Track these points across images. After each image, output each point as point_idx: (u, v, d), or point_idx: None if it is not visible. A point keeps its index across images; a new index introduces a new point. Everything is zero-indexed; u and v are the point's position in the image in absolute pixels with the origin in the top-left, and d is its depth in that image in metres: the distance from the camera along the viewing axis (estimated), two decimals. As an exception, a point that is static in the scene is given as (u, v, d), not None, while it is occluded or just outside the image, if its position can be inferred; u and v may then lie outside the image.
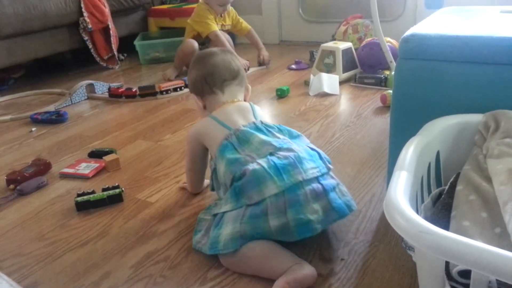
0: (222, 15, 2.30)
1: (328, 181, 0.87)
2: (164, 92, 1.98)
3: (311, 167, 0.87)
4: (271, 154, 0.88)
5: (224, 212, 0.86)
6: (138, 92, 1.96)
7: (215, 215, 0.89)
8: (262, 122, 0.97)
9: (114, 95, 1.99)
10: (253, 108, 1.01)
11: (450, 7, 1.17)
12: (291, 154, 0.87)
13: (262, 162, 0.86)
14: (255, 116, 0.99)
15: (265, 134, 0.94)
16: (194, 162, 1.06)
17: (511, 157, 0.67)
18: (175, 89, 2.00)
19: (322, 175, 0.87)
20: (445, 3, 2.30)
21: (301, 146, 0.92)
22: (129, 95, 1.96)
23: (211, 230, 0.88)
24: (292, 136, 0.97)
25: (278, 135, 0.94)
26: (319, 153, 0.92)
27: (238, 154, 0.90)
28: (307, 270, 0.78)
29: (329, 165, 0.92)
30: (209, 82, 1.02)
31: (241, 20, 2.39)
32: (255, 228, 0.81)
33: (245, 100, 1.07)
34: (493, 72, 0.77)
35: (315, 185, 0.84)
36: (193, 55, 2.28)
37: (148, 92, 1.96)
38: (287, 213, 0.81)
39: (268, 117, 1.06)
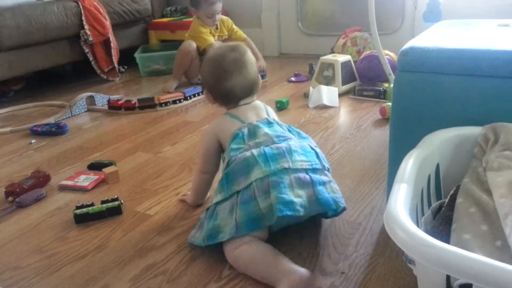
0: (218, 26, 2.32)
1: (319, 176, 0.90)
2: (164, 105, 1.98)
3: (301, 160, 0.91)
4: (267, 145, 0.92)
5: (216, 204, 0.90)
6: (137, 104, 1.97)
7: (208, 208, 0.93)
8: (274, 120, 1.03)
9: (114, 107, 2.00)
10: (266, 108, 1.06)
11: (448, 21, 1.18)
12: (284, 146, 0.92)
13: (255, 151, 0.91)
14: (268, 114, 1.04)
15: (272, 128, 0.99)
16: (206, 163, 1.05)
17: (510, 169, 0.67)
18: (174, 102, 2.01)
19: (314, 169, 0.91)
20: (443, 16, 2.33)
21: (299, 143, 0.95)
22: (129, 107, 1.97)
23: (206, 222, 0.91)
24: (301, 137, 1.02)
25: (288, 133, 0.99)
26: (316, 153, 0.95)
27: (243, 144, 0.95)
28: (302, 272, 0.79)
29: (325, 164, 0.94)
30: (225, 100, 1.04)
31: (236, 29, 2.42)
32: (249, 214, 0.84)
33: None
34: (492, 85, 0.77)
35: (301, 175, 0.88)
36: (191, 56, 2.24)
37: (147, 104, 1.97)
38: (270, 194, 0.84)
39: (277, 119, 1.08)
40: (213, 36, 2.31)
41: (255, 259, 0.83)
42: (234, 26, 2.41)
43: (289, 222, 0.92)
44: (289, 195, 0.84)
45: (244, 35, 2.43)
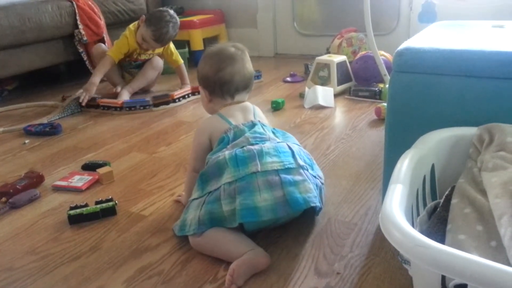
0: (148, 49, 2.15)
1: (291, 176, 0.91)
2: (127, 108, 1.97)
3: (272, 161, 0.92)
4: (242, 147, 0.94)
5: (192, 200, 0.95)
6: (100, 104, 2.01)
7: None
8: (259, 121, 1.04)
9: (91, 106, 2.04)
10: (254, 110, 1.07)
11: (443, 21, 1.18)
12: (256, 148, 0.93)
13: (227, 153, 0.93)
14: (255, 117, 1.05)
15: (253, 129, 1.00)
16: (197, 160, 1.06)
17: (505, 170, 0.67)
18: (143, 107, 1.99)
19: (287, 169, 0.91)
20: (438, 17, 2.33)
21: (274, 144, 0.96)
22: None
23: (182, 214, 0.97)
24: (285, 137, 1.04)
25: (269, 133, 1.01)
26: (293, 152, 0.96)
27: (225, 149, 0.96)
28: (259, 256, 0.85)
29: (301, 163, 0.94)
30: (223, 90, 1.05)
31: (175, 52, 2.23)
32: (210, 213, 0.89)
33: None
34: (487, 86, 0.78)
35: (270, 177, 0.89)
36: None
37: (112, 105, 1.99)
38: (236, 199, 0.87)
39: (266, 120, 1.09)
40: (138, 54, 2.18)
41: (219, 241, 0.88)
42: (172, 49, 2.22)
43: (262, 224, 0.92)
44: (253, 201, 0.86)
45: (181, 61, 2.26)
